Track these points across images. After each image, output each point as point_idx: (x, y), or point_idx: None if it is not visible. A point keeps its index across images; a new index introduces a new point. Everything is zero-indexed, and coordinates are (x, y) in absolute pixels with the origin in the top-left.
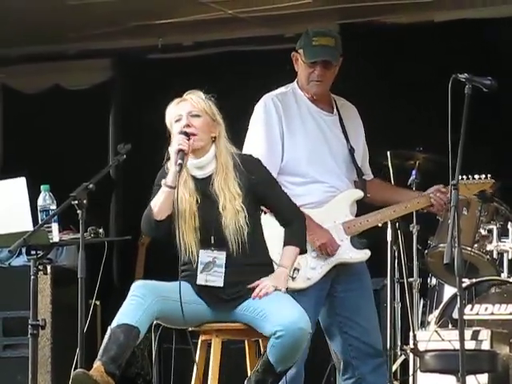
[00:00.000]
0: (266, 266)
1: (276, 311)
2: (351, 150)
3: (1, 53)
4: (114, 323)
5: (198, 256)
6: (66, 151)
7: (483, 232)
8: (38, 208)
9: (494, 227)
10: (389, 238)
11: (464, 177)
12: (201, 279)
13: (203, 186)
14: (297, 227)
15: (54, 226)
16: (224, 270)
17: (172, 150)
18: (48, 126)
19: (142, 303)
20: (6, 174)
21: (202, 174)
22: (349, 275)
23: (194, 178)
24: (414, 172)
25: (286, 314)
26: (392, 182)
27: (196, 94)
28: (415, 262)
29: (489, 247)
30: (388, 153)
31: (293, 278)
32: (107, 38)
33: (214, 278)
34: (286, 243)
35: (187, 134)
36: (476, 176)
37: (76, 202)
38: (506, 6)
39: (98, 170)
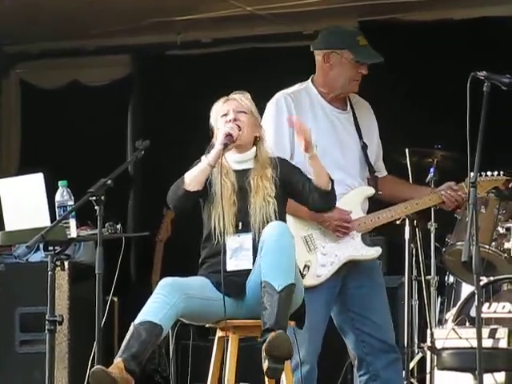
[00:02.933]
0: None
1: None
2: (364, 147)
3: (20, 48)
4: (138, 320)
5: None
6: (84, 147)
7: (501, 230)
8: (56, 204)
9: None
10: (407, 236)
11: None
12: (230, 265)
13: (240, 178)
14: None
15: (72, 222)
16: (252, 252)
17: (220, 132)
18: (66, 121)
19: (166, 302)
20: (24, 169)
21: (240, 168)
22: (360, 272)
23: (234, 171)
24: (432, 169)
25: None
26: (410, 179)
27: (242, 94)
28: (433, 260)
29: (507, 245)
30: (406, 150)
31: (303, 276)
32: (126, 34)
33: (243, 261)
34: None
35: (238, 126)
36: (488, 173)
37: (94, 197)
38: None
39: (116, 166)
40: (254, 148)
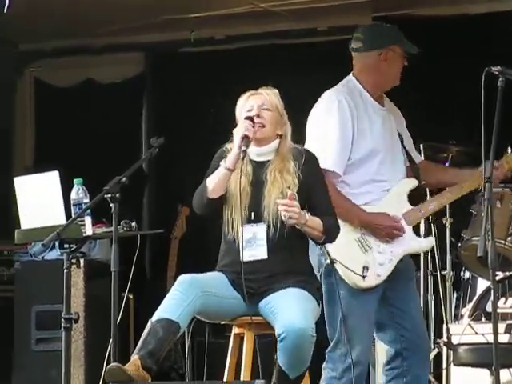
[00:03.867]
0: (299, 260)
1: (282, 311)
2: (401, 138)
3: (34, 46)
4: (155, 317)
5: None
6: (99, 145)
7: None
8: (71, 202)
9: None
10: (422, 231)
11: None
12: (246, 255)
13: (258, 170)
14: (333, 222)
15: (87, 220)
16: (266, 241)
17: (237, 134)
18: (80, 119)
19: (183, 299)
20: (39, 167)
21: (259, 159)
22: (399, 266)
23: (252, 162)
24: (446, 165)
25: (288, 315)
26: None
27: (270, 89)
28: (448, 255)
29: None
30: (421, 145)
31: (363, 277)
32: (139, 31)
33: (257, 251)
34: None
35: (253, 121)
36: None
37: (109, 195)
38: None
39: (131, 163)
40: (277, 141)
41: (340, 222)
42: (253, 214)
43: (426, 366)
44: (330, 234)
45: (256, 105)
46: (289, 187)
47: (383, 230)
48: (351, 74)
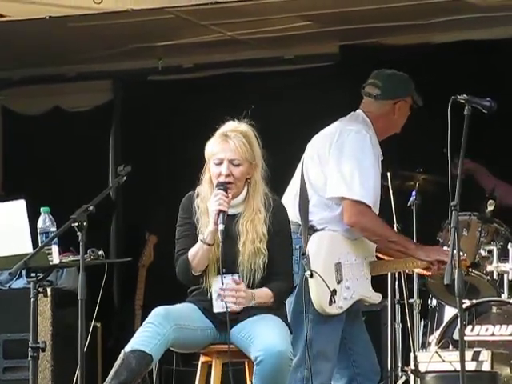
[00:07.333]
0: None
1: (259, 335)
2: None
3: (1, 75)
4: (128, 348)
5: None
6: (66, 173)
7: (483, 253)
8: (38, 230)
9: (494, 248)
10: None
11: None
12: (217, 307)
13: (229, 223)
14: (284, 287)
15: (54, 248)
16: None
17: (212, 209)
18: (48, 147)
19: (157, 332)
20: (6, 196)
21: (230, 212)
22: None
23: None
24: (413, 193)
25: (266, 338)
26: (392, 203)
27: (239, 136)
28: (415, 283)
29: (489, 268)
30: (388, 174)
31: (333, 299)
32: (107, 59)
33: (230, 304)
34: (268, 287)
35: (226, 190)
36: None
37: (76, 224)
38: (504, 28)
39: (99, 191)
40: (245, 190)
41: (324, 243)
42: (225, 270)
43: None
44: (280, 300)
45: (226, 160)
46: (260, 241)
47: (440, 256)
48: (364, 113)
